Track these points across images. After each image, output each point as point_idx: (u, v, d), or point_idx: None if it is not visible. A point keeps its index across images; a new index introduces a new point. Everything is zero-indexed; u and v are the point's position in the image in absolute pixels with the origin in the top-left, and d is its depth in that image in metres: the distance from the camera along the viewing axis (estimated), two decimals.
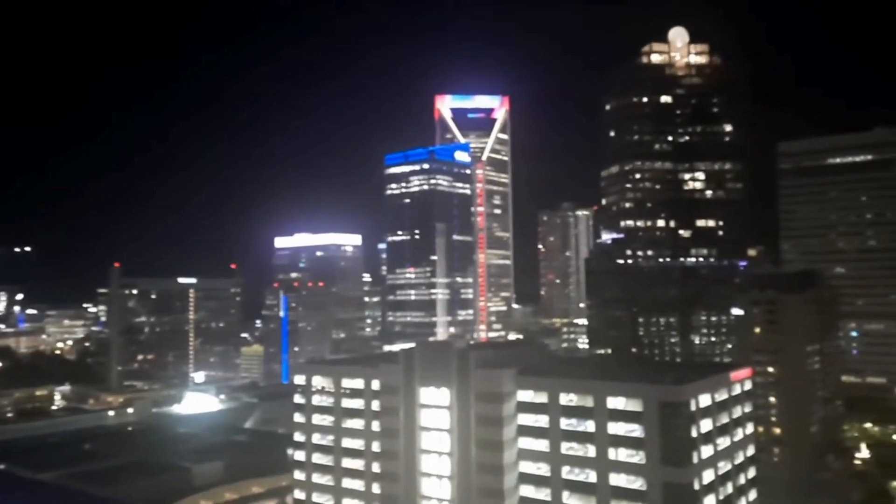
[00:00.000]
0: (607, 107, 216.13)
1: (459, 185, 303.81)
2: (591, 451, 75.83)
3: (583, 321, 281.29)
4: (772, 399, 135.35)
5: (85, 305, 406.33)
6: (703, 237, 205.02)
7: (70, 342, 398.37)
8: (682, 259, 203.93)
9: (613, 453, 74.43)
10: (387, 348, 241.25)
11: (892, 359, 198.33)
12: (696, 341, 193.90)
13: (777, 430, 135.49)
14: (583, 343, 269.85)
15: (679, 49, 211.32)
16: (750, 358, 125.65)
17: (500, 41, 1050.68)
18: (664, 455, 71.54)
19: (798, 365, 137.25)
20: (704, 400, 76.42)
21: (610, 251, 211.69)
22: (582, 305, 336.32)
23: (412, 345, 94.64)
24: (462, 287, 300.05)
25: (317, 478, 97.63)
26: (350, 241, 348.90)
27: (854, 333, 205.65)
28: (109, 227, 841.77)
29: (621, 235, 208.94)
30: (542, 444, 78.84)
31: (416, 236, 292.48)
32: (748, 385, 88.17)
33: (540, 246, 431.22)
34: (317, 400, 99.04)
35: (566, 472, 77.16)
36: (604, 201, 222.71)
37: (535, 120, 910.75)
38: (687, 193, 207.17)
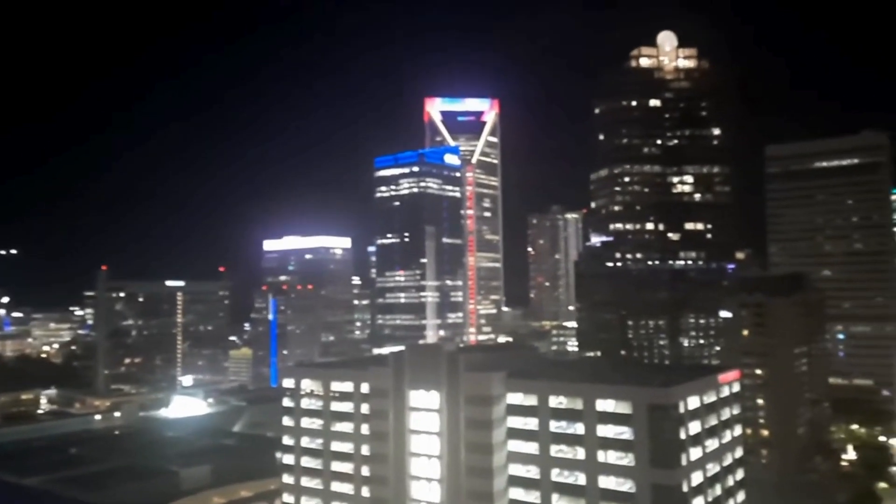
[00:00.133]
0: (596, 110, 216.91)
1: (449, 187, 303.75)
2: (580, 453, 75.95)
3: (572, 324, 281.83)
4: (760, 401, 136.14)
5: (71, 308, 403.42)
6: (691, 240, 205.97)
7: (56, 345, 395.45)
8: (670, 262, 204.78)
9: (603, 456, 74.57)
10: (376, 351, 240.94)
11: (879, 361, 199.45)
12: (685, 344, 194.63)
13: (765, 432, 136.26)
14: (572, 346, 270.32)
15: (668, 53, 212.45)
16: (738, 360, 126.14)
17: (489, 44, 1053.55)
18: (653, 457, 71.75)
19: (786, 367, 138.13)
20: (693, 402, 76.71)
21: (599, 254, 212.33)
22: (571, 308, 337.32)
23: (401, 348, 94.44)
24: (452, 290, 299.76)
25: (305, 481, 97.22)
26: (339, 243, 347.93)
27: (841, 336, 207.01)
28: (97, 230, 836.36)
29: (610, 238, 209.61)
30: (532, 447, 78.88)
31: (406, 239, 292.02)
32: (736, 387, 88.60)
33: (529, 249, 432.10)
34: (305, 403, 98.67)
35: (556, 475, 77.25)
36: (593, 204, 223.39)
37: (525, 123, 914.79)
38: (675, 197, 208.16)
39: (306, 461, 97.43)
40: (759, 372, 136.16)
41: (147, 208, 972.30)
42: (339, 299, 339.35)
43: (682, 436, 73.71)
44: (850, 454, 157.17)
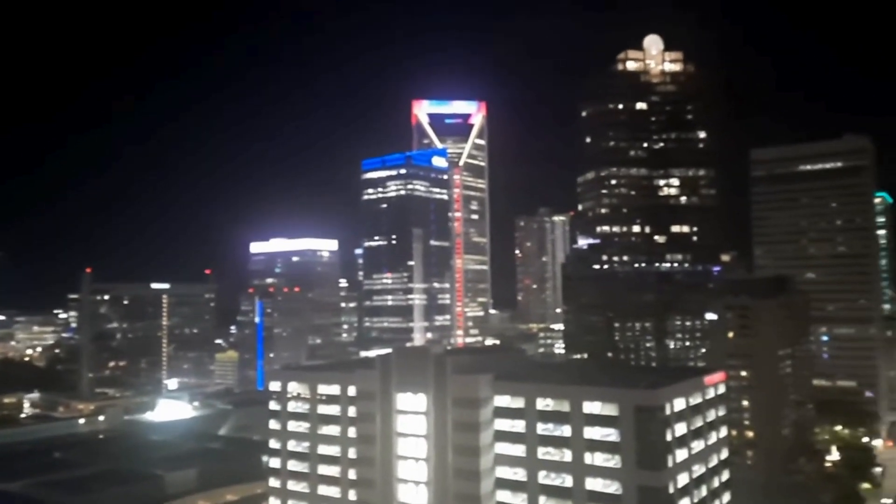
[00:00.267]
0: (583, 113, 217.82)
1: (437, 190, 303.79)
2: (567, 455, 76.10)
3: (559, 326, 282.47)
4: (745, 402, 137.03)
5: (55, 311, 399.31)
6: (677, 243, 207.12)
7: (40, 349, 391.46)
8: (657, 264, 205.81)
9: (589, 457, 74.77)
10: (363, 354, 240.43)
11: (862, 362, 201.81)
12: (671, 346, 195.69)
13: (750, 434, 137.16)
14: (559, 348, 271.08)
15: (654, 57, 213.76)
16: (724, 362, 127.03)
17: (477, 47, 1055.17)
18: (639, 459, 72.03)
19: (770, 369, 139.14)
20: (679, 404, 77.12)
21: (586, 256, 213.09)
22: (558, 310, 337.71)
23: (389, 350, 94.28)
24: (439, 292, 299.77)
25: (292, 485, 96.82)
26: (326, 246, 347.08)
27: (825, 338, 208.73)
28: (81, 232, 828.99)
29: (597, 241, 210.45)
30: (519, 449, 78.96)
31: (393, 241, 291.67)
32: (722, 389, 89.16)
33: (517, 251, 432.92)
34: (292, 406, 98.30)
35: (543, 477, 77.36)
36: (580, 207, 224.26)
37: (512, 126, 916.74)
38: (662, 199, 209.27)
39: (293, 464, 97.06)
40: (744, 374, 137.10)
41: (132, 210, 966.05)
42: (325, 302, 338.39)
43: (669, 437, 74.08)
44: (834, 455, 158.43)
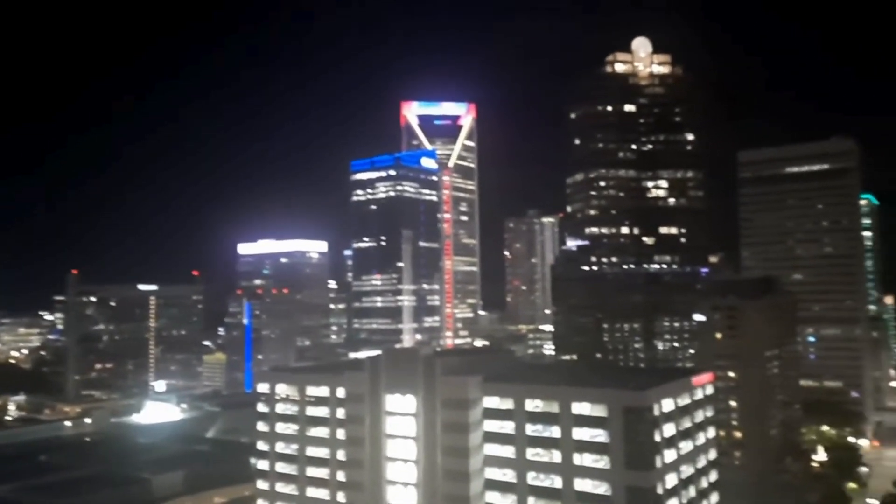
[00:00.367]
0: (572, 115, 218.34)
1: (426, 191, 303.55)
2: (556, 456, 76.20)
3: (548, 327, 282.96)
4: (732, 403, 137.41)
5: (41, 313, 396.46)
6: (665, 244, 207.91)
7: (25, 351, 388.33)
8: (645, 266, 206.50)
9: (578, 458, 74.90)
10: (352, 356, 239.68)
11: (848, 363, 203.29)
12: (660, 347, 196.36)
13: (738, 434, 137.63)
14: (549, 349, 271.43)
15: (642, 59, 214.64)
16: (711, 363, 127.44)
17: (466, 49, 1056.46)
18: (628, 460, 72.24)
19: (758, 369, 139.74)
20: (667, 405, 77.43)
21: (575, 258, 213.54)
22: (548, 312, 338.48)
23: (378, 352, 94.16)
24: (428, 294, 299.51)
25: (280, 487, 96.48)
26: (315, 247, 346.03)
27: (811, 338, 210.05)
28: (68, 234, 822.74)
29: (586, 242, 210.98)
30: (508, 451, 79.00)
31: (383, 243, 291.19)
32: (710, 390, 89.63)
33: (506, 252, 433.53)
34: (281, 408, 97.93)
35: (532, 478, 77.42)
36: (569, 208, 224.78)
37: (502, 127, 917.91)
38: (650, 201, 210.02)
39: (281, 467, 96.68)
40: (731, 374, 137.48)
41: (119, 212, 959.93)
42: (314, 303, 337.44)
43: (657, 438, 74.34)
44: (821, 455, 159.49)
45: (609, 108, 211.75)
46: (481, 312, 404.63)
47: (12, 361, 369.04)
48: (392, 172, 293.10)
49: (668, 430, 76.74)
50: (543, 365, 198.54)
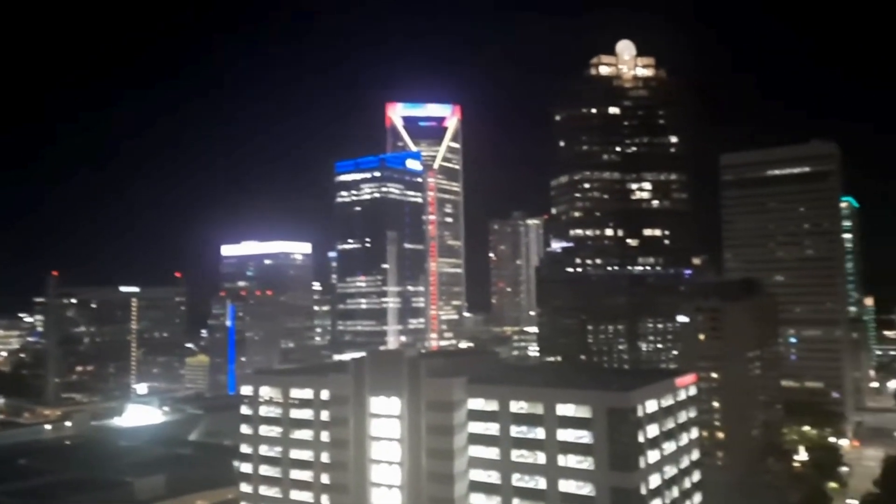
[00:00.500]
0: (557, 117, 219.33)
1: (411, 193, 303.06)
2: (540, 458, 76.29)
3: (533, 329, 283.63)
4: (715, 404, 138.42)
5: (20, 315, 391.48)
6: (649, 246, 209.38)
7: (4, 353, 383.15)
8: (629, 267, 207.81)
9: (563, 460, 75.03)
10: (337, 358, 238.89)
11: (829, 364, 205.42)
12: (644, 348, 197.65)
13: (720, 435, 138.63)
14: (533, 351, 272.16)
15: (626, 61, 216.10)
16: (694, 364, 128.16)
17: (451, 51, 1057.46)
18: (612, 461, 72.46)
19: (740, 370, 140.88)
20: (651, 406, 77.76)
21: (560, 259, 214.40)
22: (532, 313, 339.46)
23: (362, 354, 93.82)
24: (413, 295, 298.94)
25: (264, 490, 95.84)
26: (299, 249, 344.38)
27: (792, 339, 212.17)
28: (48, 235, 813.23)
29: (571, 244, 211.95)
30: (493, 452, 79.00)
31: (367, 244, 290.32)
32: (693, 391, 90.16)
33: (491, 254, 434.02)
34: (264, 411, 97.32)
35: (516, 480, 77.45)
36: (554, 210, 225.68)
37: (487, 129, 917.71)
38: (634, 203, 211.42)
39: (265, 470, 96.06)
40: (714, 375, 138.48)
41: (101, 213, 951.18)
42: (299, 305, 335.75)
43: (641, 439, 74.63)
44: (802, 455, 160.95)
45: (593, 111, 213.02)
46: (466, 314, 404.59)
47: None
48: (377, 174, 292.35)
49: (652, 431, 77.08)
50: (528, 366, 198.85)
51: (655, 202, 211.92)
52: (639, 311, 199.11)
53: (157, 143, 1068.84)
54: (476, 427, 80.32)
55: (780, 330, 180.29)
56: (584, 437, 74.16)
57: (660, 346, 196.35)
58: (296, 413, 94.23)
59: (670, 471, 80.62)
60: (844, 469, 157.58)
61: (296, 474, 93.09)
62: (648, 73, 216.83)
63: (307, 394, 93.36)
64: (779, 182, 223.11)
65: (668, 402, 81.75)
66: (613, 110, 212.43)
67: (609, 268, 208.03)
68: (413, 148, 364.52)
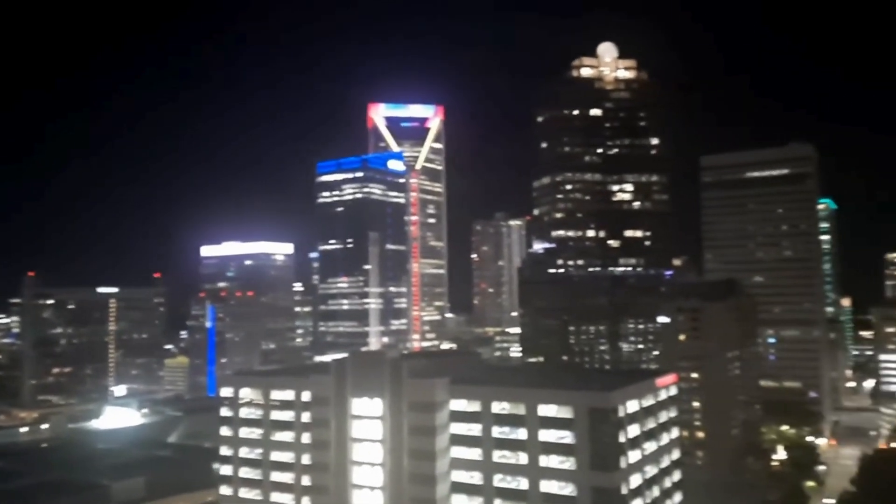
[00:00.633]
0: (539, 119, 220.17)
1: (393, 193, 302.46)
2: (522, 458, 76.37)
3: (515, 330, 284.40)
4: (695, 404, 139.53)
5: None
6: (631, 247, 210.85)
7: None
8: (611, 268, 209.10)
9: (545, 460, 75.17)
10: (318, 359, 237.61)
11: (806, 364, 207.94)
12: (625, 348, 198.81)
13: (700, 434, 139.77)
14: (515, 351, 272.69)
15: (608, 64, 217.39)
16: (675, 364, 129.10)
17: (434, 51, 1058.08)
18: (593, 461, 72.72)
19: (720, 370, 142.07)
20: (632, 406, 78.17)
21: (542, 260, 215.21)
22: (514, 314, 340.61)
23: (344, 355, 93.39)
24: (395, 296, 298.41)
25: (244, 492, 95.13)
26: (281, 249, 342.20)
27: (771, 340, 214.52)
28: (25, 236, 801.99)
29: (553, 245, 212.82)
30: (475, 453, 78.98)
31: (349, 245, 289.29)
32: (673, 391, 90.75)
33: (473, 255, 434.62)
34: (245, 412, 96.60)
35: (498, 480, 77.47)
36: (536, 211, 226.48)
37: (470, 130, 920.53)
38: (616, 204, 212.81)
39: (245, 472, 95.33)
40: (694, 375, 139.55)
41: (79, 213, 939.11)
42: (280, 306, 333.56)
43: (622, 439, 74.99)
44: (780, 454, 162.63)
45: (575, 112, 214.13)
46: (448, 315, 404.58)
47: None
48: (359, 174, 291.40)
49: (633, 430, 77.48)
50: (510, 367, 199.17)
51: (637, 203, 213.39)
52: (620, 312, 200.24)
53: (138, 143, 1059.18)
54: (458, 428, 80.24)
55: (759, 330, 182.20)
56: (565, 437, 74.35)
57: (641, 346, 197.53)
58: (277, 415, 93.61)
59: (651, 470, 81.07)
60: (822, 468, 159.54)
61: (276, 476, 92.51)
62: (630, 75, 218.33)
63: (288, 395, 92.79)
64: (758, 184, 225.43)
65: (648, 402, 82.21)
66: (595, 112, 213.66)
67: (591, 269, 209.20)
68: (395, 148, 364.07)
